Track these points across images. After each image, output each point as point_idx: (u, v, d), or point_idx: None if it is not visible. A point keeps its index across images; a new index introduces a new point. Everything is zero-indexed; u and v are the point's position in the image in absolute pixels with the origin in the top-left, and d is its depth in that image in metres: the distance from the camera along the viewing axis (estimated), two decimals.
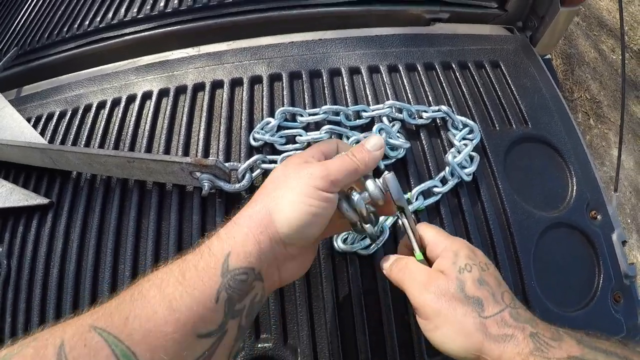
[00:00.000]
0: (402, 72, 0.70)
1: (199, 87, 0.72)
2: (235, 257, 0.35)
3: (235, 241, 0.36)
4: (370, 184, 0.42)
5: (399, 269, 0.43)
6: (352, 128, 0.65)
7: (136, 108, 0.73)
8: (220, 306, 0.33)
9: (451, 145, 0.65)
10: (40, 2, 0.99)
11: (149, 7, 0.84)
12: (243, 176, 0.61)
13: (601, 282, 0.63)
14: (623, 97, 0.81)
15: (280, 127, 0.65)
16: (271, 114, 0.67)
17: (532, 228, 0.62)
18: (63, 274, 0.62)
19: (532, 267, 0.60)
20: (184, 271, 0.34)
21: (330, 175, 0.38)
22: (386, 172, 0.43)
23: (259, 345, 0.53)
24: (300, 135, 0.62)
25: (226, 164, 0.60)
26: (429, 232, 0.44)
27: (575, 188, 0.67)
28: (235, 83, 0.71)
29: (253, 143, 0.64)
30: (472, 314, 0.35)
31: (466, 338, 0.35)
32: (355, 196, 0.42)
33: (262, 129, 0.64)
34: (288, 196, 0.37)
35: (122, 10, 0.86)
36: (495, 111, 0.70)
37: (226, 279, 0.34)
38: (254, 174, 0.61)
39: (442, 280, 0.38)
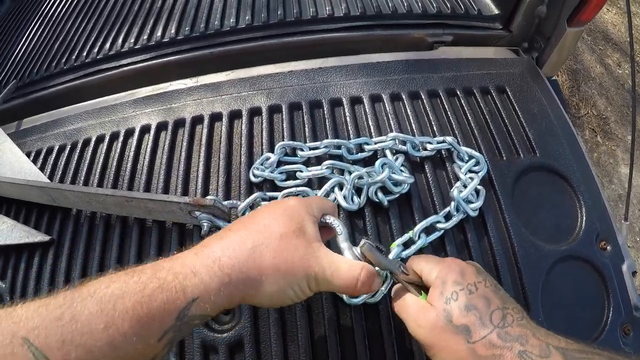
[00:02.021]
0: (405, 101, 0.71)
1: (197, 121, 0.73)
2: (201, 306, 0.35)
3: (207, 288, 0.36)
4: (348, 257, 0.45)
5: (397, 303, 0.47)
6: (355, 162, 0.65)
7: (135, 142, 0.75)
8: (161, 344, 0.34)
9: (457, 178, 0.65)
10: (39, 34, 1.01)
11: (145, 37, 0.86)
12: (243, 214, 0.62)
13: (610, 315, 0.63)
14: (633, 130, 0.81)
15: (280, 162, 0.65)
16: (271, 147, 0.68)
17: (541, 262, 0.62)
18: None
19: (540, 302, 0.60)
20: (139, 301, 0.33)
21: (329, 286, 0.41)
22: (363, 240, 0.45)
23: None
24: (301, 171, 0.63)
25: (225, 202, 0.61)
26: (420, 264, 0.47)
27: (584, 218, 0.67)
28: (234, 115, 0.72)
29: (253, 179, 0.65)
30: (461, 341, 0.39)
31: None
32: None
33: (261, 164, 0.65)
34: (287, 281, 0.39)
35: (119, 40, 0.88)
36: (502, 140, 0.71)
37: (179, 323, 0.34)
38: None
39: (431, 314, 0.41)
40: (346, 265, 0.42)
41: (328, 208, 0.48)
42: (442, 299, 0.41)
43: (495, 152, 0.70)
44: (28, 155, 0.80)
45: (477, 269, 0.45)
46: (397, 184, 0.63)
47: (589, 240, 0.65)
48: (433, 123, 0.70)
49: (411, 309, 0.44)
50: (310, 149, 0.65)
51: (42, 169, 0.78)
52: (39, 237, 0.70)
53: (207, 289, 0.36)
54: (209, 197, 0.60)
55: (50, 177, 0.76)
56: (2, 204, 0.75)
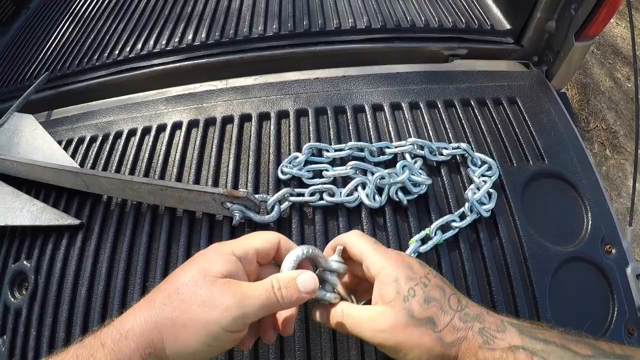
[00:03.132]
0: (423, 109, 0.77)
1: (227, 120, 0.79)
2: None
3: (117, 357, 0.36)
4: (332, 263, 0.49)
5: (338, 318, 0.46)
6: (376, 164, 0.71)
7: (166, 137, 0.80)
8: None
9: (470, 181, 0.71)
10: (71, 29, 1.07)
11: (177, 39, 0.92)
12: (272, 208, 0.67)
13: (615, 315, 0.68)
14: (637, 133, 0.87)
15: (307, 162, 0.71)
16: (298, 148, 0.74)
17: (548, 262, 0.68)
18: (91, 293, 0.68)
19: (548, 300, 0.65)
20: None
21: (245, 317, 0.39)
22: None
23: None
24: (327, 170, 0.69)
25: (256, 196, 0.67)
26: (360, 248, 0.47)
27: (590, 223, 0.73)
28: (263, 117, 0.78)
29: (281, 176, 0.71)
30: (427, 332, 0.41)
31: (429, 353, 0.40)
32: (331, 279, 0.47)
33: (289, 163, 0.71)
34: (189, 333, 0.37)
35: (151, 41, 0.94)
36: (512, 147, 0.77)
37: None
38: (282, 206, 0.68)
39: (390, 316, 0.42)
40: (256, 286, 0.40)
41: (258, 244, 0.45)
42: (400, 298, 0.42)
43: (507, 159, 0.76)
44: (59, 143, 0.85)
45: (419, 260, 0.47)
46: (416, 184, 0.68)
47: (595, 243, 0.71)
48: (449, 130, 0.76)
49: (364, 320, 0.43)
50: (336, 150, 0.71)
51: (72, 157, 0.83)
52: (68, 220, 0.74)
53: (117, 357, 0.36)
54: (242, 190, 0.66)
55: (81, 165, 0.81)
56: (32, 187, 0.80)
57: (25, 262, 0.74)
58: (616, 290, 0.69)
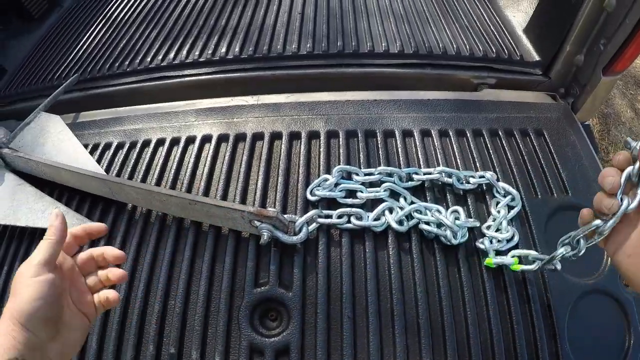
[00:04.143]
0: (452, 137, 0.80)
1: (258, 137, 0.82)
2: None
3: None
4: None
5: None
6: (404, 189, 0.73)
7: (195, 150, 0.82)
8: None
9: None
10: (102, 33, 1.10)
11: (210, 52, 0.95)
12: (300, 229, 0.69)
13: (631, 347, 0.70)
14: None
15: (336, 184, 0.73)
16: (327, 169, 0.76)
17: (568, 294, 0.70)
18: None
19: (567, 331, 0.67)
20: None
21: (34, 261, 0.46)
22: None
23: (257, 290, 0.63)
24: (361, 192, 0.72)
25: (285, 216, 0.69)
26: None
27: (609, 257, 0.75)
28: (294, 136, 0.81)
29: (310, 198, 0.73)
30: None
31: None
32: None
33: (319, 185, 0.73)
34: (23, 285, 0.45)
35: (184, 51, 0.97)
36: (537, 179, 0.79)
37: None
38: (310, 228, 0.70)
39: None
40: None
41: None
42: None
43: (531, 190, 0.78)
44: (85, 147, 0.87)
45: None
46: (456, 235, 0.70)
47: (613, 277, 0.73)
48: (476, 159, 0.78)
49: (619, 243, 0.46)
50: (365, 174, 0.74)
51: (98, 162, 0.85)
52: None
53: None
54: (271, 209, 0.68)
55: (107, 171, 0.83)
56: (55, 188, 0.81)
57: None
58: (633, 323, 0.70)
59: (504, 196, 0.75)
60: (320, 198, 0.73)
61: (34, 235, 0.78)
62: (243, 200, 0.76)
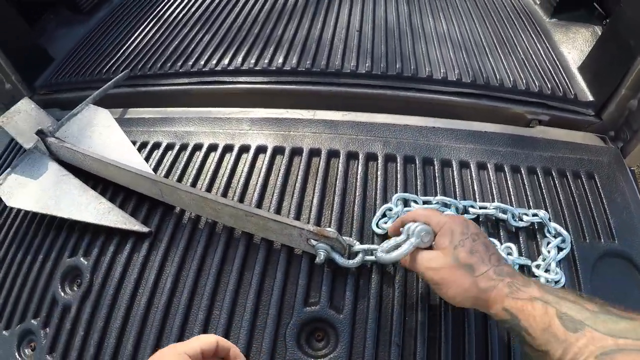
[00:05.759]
0: (507, 173, 0.82)
1: (315, 152, 0.83)
2: None
3: None
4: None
5: (409, 258, 0.61)
6: None
7: (249, 159, 0.84)
8: None
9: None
10: (154, 31, 1.12)
11: (266, 61, 0.97)
12: (356, 254, 0.70)
13: None
14: None
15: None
16: (384, 193, 0.78)
17: None
18: (151, 305, 0.70)
19: None
20: None
21: (179, 349, 0.53)
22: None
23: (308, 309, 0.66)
24: None
25: (345, 238, 0.70)
26: (429, 215, 0.62)
27: None
28: (351, 156, 0.82)
29: (378, 231, 0.74)
30: (466, 275, 0.54)
31: (465, 292, 0.53)
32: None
33: (383, 215, 0.74)
34: None
35: (239, 58, 0.99)
36: (587, 223, 0.81)
37: None
38: (367, 257, 0.70)
39: (440, 258, 0.56)
40: None
41: (203, 344, 0.56)
42: (452, 246, 0.55)
43: (580, 233, 0.80)
44: (133, 144, 0.88)
45: (475, 225, 0.59)
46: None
47: None
48: (529, 197, 0.80)
49: (424, 259, 0.58)
50: (424, 202, 0.75)
51: (146, 160, 0.86)
52: (137, 226, 0.76)
53: None
54: (331, 230, 0.69)
55: (155, 171, 0.84)
56: (99, 183, 0.83)
57: (82, 259, 0.76)
58: None
59: (555, 237, 0.77)
60: (385, 231, 0.73)
61: (73, 228, 0.79)
62: (297, 216, 0.77)
